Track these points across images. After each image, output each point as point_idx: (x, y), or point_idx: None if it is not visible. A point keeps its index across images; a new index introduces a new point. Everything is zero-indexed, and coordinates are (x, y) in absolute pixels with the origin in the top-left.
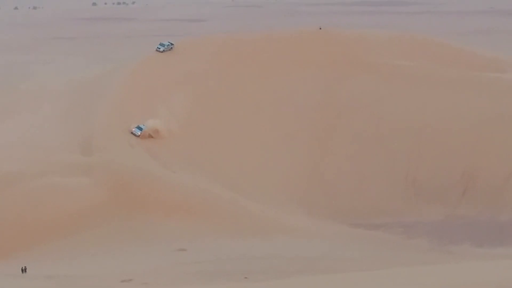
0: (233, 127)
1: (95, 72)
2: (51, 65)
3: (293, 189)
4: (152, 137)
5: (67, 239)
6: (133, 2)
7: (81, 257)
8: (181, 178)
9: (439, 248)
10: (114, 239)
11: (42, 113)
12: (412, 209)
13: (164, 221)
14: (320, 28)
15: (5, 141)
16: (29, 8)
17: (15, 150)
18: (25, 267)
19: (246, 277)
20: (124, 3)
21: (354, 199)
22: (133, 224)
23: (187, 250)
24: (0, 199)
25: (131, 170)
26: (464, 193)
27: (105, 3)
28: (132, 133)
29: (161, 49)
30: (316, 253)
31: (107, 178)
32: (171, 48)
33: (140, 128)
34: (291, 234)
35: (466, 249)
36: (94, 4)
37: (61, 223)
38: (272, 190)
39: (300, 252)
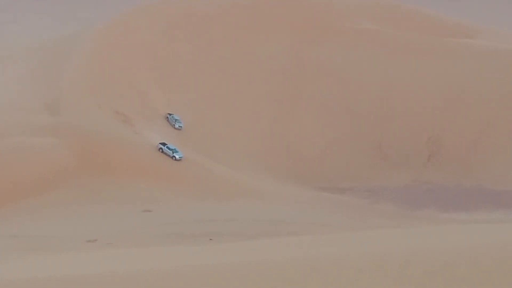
0: (200, 90)
1: (63, 32)
2: (18, 25)
3: (259, 153)
4: None
5: (33, 200)
6: None
7: (47, 217)
8: (148, 141)
9: (405, 212)
10: (81, 200)
11: (8, 73)
12: (378, 174)
13: (130, 183)
14: None
15: None
16: None
17: None
18: None
19: (211, 239)
20: None
21: (320, 163)
22: (100, 185)
23: (153, 211)
24: None
25: (98, 132)
26: (429, 158)
27: None
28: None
29: (182, 126)
30: (282, 216)
31: (75, 139)
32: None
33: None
34: (256, 197)
35: (431, 214)
36: None
37: (27, 183)
38: (238, 154)
39: (265, 215)
